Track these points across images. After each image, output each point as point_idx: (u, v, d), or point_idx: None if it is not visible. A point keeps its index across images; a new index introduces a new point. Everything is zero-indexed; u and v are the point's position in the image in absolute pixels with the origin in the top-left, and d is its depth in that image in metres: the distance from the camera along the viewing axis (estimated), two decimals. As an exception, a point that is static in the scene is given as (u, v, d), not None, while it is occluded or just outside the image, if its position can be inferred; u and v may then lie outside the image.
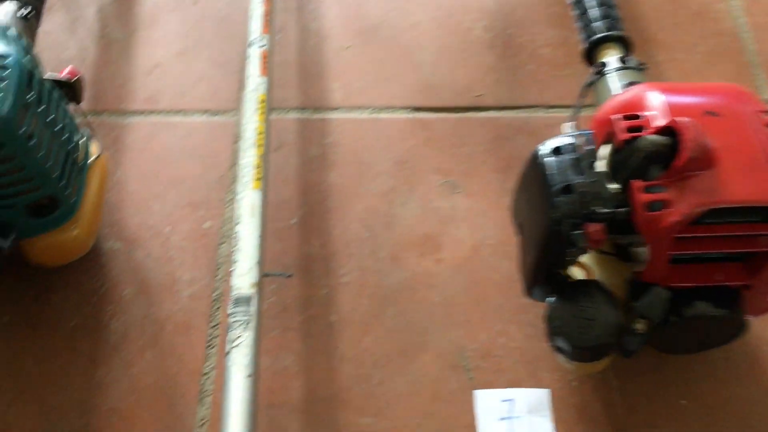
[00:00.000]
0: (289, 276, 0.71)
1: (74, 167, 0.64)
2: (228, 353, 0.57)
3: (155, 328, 0.68)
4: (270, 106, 0.73)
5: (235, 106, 0.83)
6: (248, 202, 0.65)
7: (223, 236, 0.73)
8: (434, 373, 0.65)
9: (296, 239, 0.73)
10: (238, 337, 0.57)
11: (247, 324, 0.58)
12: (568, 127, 0.55)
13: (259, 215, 0.64)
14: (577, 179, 0.50)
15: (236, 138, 0.80)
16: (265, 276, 0.67)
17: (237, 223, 0.64)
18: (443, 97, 0.83)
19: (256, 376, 0.56)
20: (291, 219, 0.74)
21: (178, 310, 0.69)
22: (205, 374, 0.66)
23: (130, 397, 0.64)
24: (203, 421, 0.63)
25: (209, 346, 0.67)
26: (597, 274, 0.58)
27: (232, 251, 0.62)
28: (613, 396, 0.63)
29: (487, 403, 0.63)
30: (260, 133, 0.69)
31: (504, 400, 0.63)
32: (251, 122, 0.70)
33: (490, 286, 0.69)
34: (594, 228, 0.49)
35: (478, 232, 0.73)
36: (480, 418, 0.62)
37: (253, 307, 0.59)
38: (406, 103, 0.83)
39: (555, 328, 0.51)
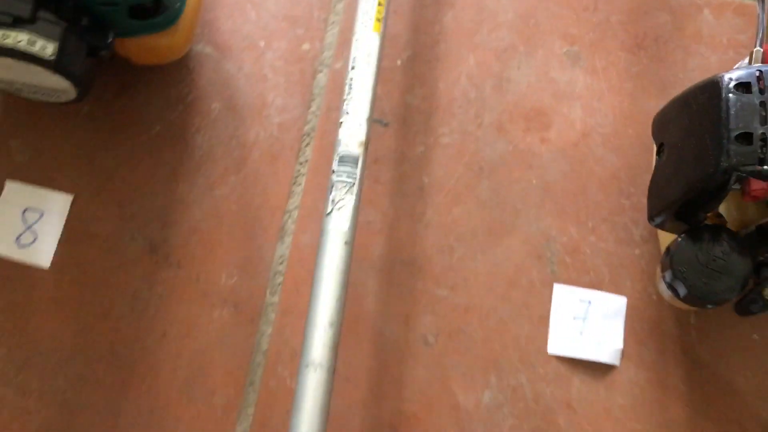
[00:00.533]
0: (386, 125, 0.66)
1: (183, -32, 0.56)
2: (329, 214, 0.54)
3: (241, 152, 0.65)
4: None
5: None
6: (366, 45, 0.58)
7: (322, 64, 0.68)
8: (518, 258, 0.64)
9: (398, 84, 0.68)
10: (341, 199, 0.55)
11: (351, 187, 0.55)
12: (759, 53, 0.49)
13: (376, 63, 0.58)
14: (760, 128, 0.44)
15: (347, -53, 0.71)
16: None
17: (352, 68, 0.58)
18: (586, -55, 0.73)
19: (352, 243, 0.54)
20: (396, 59, 0.68)
21: (267, 138, 0.66)
22: (288, 212, 0.64)
23: (212, 220, 0.63)
24: (282, 259, 0.63)
25: (295, 183, 0.65)
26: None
27: (344, 99, 0.57)
28: (690, 318, 0.63)
29: (565, 299, 0.63)
30: (389, -38, 0.61)
31: (582, 300, 0.63)
32: (380, -53, 0.61)
33: (591, 179, 0.66)
34: (759, 186, 0.45)
35: (591, 116, 0.68)
36: (554, 313, 0.63)
37: (359, 169, 0.56)
38: (543, -57, 0.72)
39: (678, 271, 0.49)
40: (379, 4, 0.60)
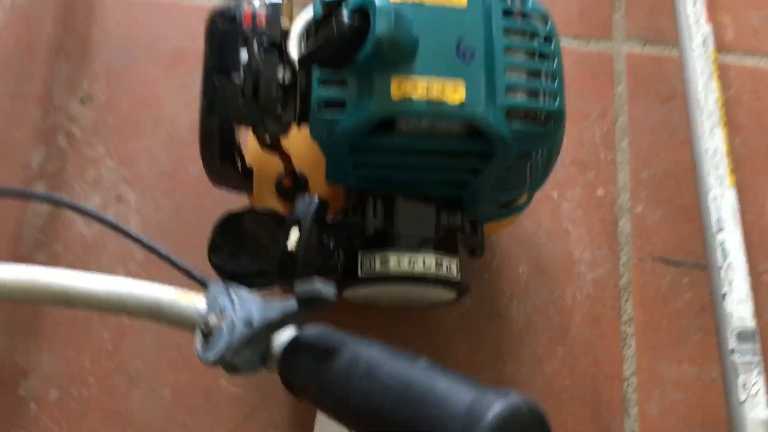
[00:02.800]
0: (705, 267, 0.61)
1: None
2: (743, 403, 0.49)
3: (562, 318, 0.59)
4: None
5: (607, 32, 0.68)
6: (728, 202, 0.54)
7: (621, 209, 0.63)
8: None
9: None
10: (754, 383, 0.49)
11: (758, 366, 0.50)
12: None
13: (740, 222, 0.54)
14: None
15: (615, 75, 0.67)
16: (672, 264, 0.59)
17: (719, 229, 0.53)
18: None
19: (772, 428, 0.49)
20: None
21: (584, 299, 0.60)
22: (626, 379, 0.58)
23: (549, 400, 0.57)
24: (633, 436, 0.57)
25: (624, 345, 0.59)
26: None
27: (719, 266, 0.52)
28: None
29: None
30: (722, 107, 0.57)
31: None
32: (708, 91, 0.57)
33: None
34: None
35: None
36: None
37: (758, 344, 0.51)
38: (805, 52, 0.69)
39: None
40: (729, 154, 0.55)
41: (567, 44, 0.67)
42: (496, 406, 0.26)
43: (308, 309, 0.30)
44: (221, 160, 0.42)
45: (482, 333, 0.58)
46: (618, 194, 0.63)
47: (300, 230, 0.40)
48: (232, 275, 0.46)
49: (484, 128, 0.39)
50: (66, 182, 0.59)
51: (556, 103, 0.41)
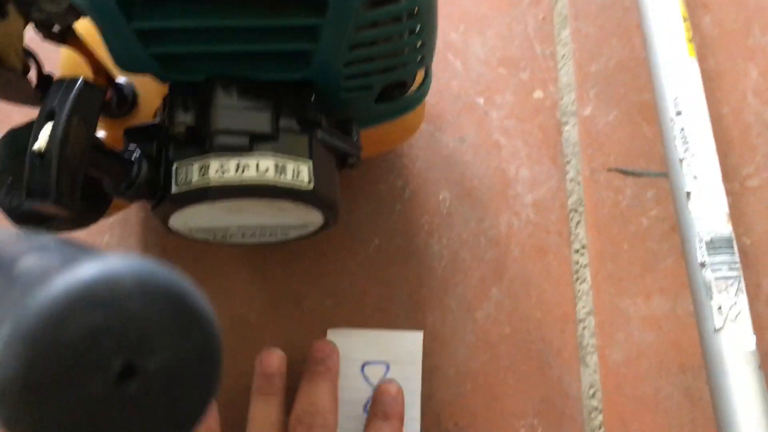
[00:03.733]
0: (665, 175, 0.49)
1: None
2: (719, 330, 0.37)
3: (496, 251, 0.47)
4: None
5: None
6: (689, 78, 0.42)
7: (565, 113, 0.51)
8: None
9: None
10: (733, 304, 0.37)
11: (738, 282, 0.38)
12: None
13: (706, 107, 0.42)
14: None
15: (548, -44, 0.54)
16: (632, 175, 0.47)
17: (677, 113, 0.41)
18: None
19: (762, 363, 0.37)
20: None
21: (523, 226, 0.48)
22: (581, 321, 0.46)
23: (484, 356, 0.45)
24: (593, 390, 0.45)
25: (577, 279, 0.47)
26: None
27: (680, 159, 0.40)
28: None
29: None
30: (674, -40, 0.44)
31: None
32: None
33: None
34: None
35: None
36: None
37: (736, 255, 0.39)
38: None
39: None
40: (685, 20, 0.43)
41: None
42: (59, 281, 0.14)
43: None
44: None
45: (396, 278, 0.47)
46: (561, 95, 0.51)
47: (54, 123, 0.28)
48: (27, 218, 0.35)
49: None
50: None
51: None
